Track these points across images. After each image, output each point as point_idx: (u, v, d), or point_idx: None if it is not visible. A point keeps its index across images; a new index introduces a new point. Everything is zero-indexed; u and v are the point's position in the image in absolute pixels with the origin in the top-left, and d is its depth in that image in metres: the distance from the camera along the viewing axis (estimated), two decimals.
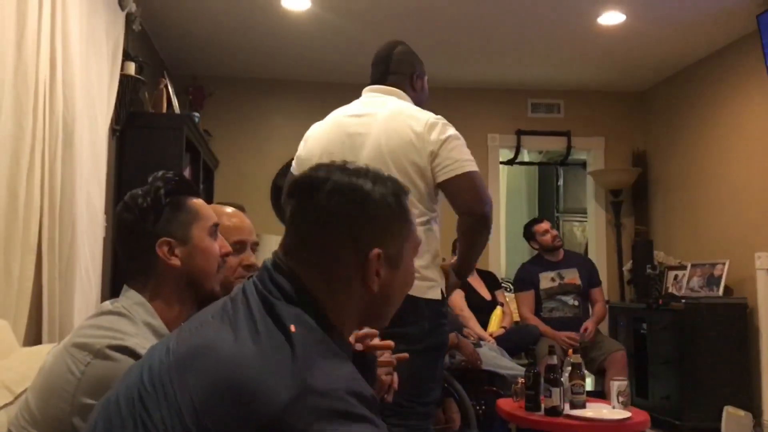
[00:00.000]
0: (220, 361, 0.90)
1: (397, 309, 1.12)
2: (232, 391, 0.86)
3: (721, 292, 4.46)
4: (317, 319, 0.97)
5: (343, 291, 1.02)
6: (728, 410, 4.18)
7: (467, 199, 2.14)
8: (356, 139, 2.21)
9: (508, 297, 4.86)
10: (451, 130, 2.22)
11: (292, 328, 0.92)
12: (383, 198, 1.04)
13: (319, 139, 2.32)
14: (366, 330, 1.32)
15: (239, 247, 1.68)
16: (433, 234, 2.19)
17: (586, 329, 4.26)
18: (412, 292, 2.13)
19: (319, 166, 1.07)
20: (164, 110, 4.09)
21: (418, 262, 2.10)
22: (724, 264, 4.52)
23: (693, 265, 4.81)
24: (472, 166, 2.16)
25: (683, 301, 4.42)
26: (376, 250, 1.02)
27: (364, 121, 2.24)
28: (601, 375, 4.36)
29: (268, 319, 0.94)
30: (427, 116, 2.25)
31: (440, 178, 2.14)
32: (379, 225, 1.04)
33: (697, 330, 4.31)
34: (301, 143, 2.40)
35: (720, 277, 4.50)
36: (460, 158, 2.16)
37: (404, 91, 2.40)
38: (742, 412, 4.18)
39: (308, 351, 0.90)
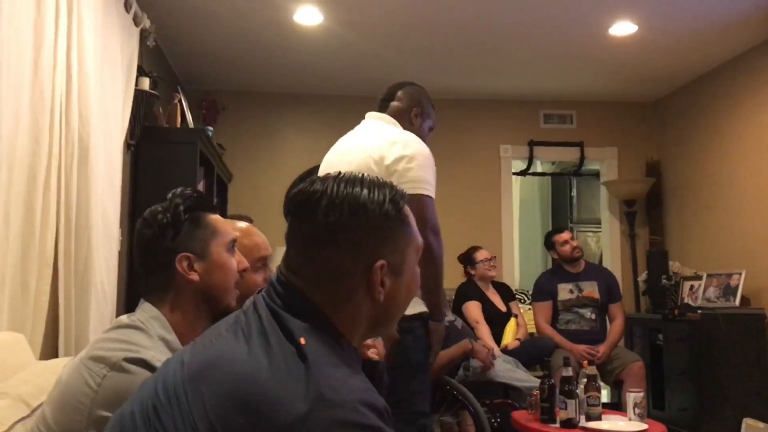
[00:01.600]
0: (233, 373, 0.91)
1: (403, 312, 1.11)
2: (246, 404, 0.87)
3: (737, 302, 4.41)
4: (325, 331, 0.98)
5: (348, 303, 1.01)
6: (747, 422, 4.13)
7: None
8: (336, 159, 2.35)
9: (523, 308, 4.84)
10: (417, 148, 2.16)
11: (302, 340, 0.93)
12: (381, 207, 1.03)
13: (325, 162, 2.45)
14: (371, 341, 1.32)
15: (262, 264, 1.72)
16: None
17: (599, 352, 4.20)
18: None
19: (314, 180, 1.06)
20: (178, 125, 4.13)
21: None
22: (740, 274, 4.48)
23: (709, 275, 4.77)
24: (426, 190, 2.11)
25: (699, 311, 4.38)
26: (380, 262, 1.01)
27: (345, 143, 2.39)
28: (617, 386, 4.32)
29: (279, 332, 0.95)
30: (398, 133, 2.25)
31: None
32: (380, 235, 1.02)
33: (713, 341, 4.27)
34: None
35: (736, 287, 4.46)
36: (416, 178, 2.11)
37: (399, 121, 2.41)
38: (761, 425, 4.12)
39: (320, 363, 0.90)
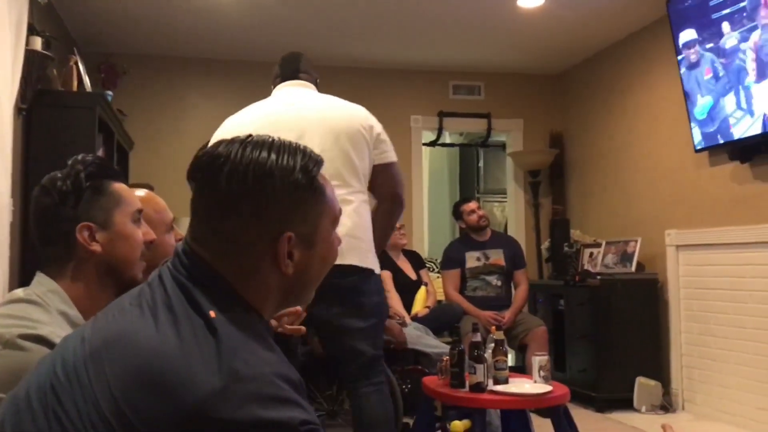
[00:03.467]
0: (139, 349, 0.86)
1: (320, 284, 1.07)
2: (155, 382, 0.82)
3: (633, 268, 4.65)
4: (234, 303, 0.93)
5: (256, 275, 0.96)
6: (640, 380, 4.38)
7: (394, 185, 2.42)
8: (301, 123, 2.31)
9: (432, 276, 4.91)
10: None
11: (212, 313, 0.88)
12: (290, 174, 0.96)
13: (260, 121, 2.35)
14: (289, 309, 1.28)
15: (170, 228, 1.71)
16: (369, 210, 2.39)
17: (504, 317, 4.33)
18: (368, 266, 2.29)
19: (219, 143, 0.98)
20: (75, 89, 3.90)
21: (370, 236, 2.34)
22: (636, 241, 4.71)
23: (607, 243, 4.99)
24: (395, 158, 2.46)
25: (598, 277, 4.59)
26: (286, 234, 0.95)
27: (302, 107, 2.37)
28: (522, 351, 4.48)
29: (187, 305, 0.90)
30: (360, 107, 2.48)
31: (378, 161, 2.39)
32: (287, 205, 0.96)
33: (611, 305, 4.49)
34: (217, 134, 2.35)
35: (633, 253, 4.69)
36: (391, 148, 2.45)
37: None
38: (652, 382, 4.39)
39: (230, 336, 0.86)
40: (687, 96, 4.12)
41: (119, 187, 1.38)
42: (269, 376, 0.84)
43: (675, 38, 4.14)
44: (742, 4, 3.63)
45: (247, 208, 0.94)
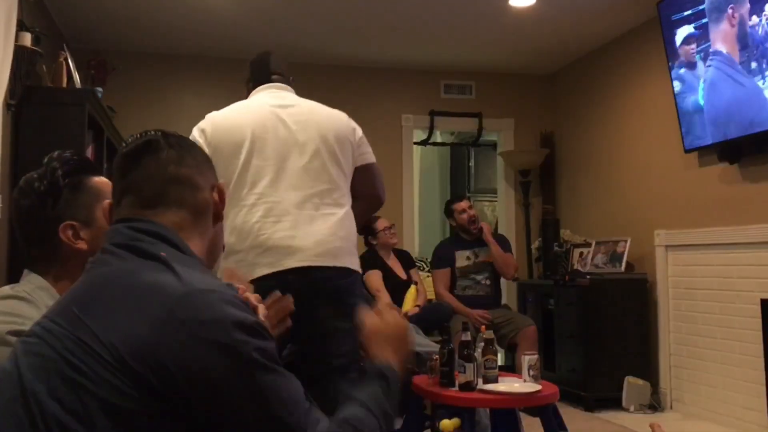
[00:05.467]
0: (104, 283, 0.96)
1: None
2: (124, 298, 0.93)
3: (623, 268, 4.66)
4: (178, 249, 1.05)
5: (199, 224, 1.12)
6: (629, 380, 4.40)
7: (374, 185, 2.50)
8: (288, 121, 2.32)
9: (422, 275, 4.92)
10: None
11: (162, 254, 0.99)
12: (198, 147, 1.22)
13: (245, 121, 2.33)
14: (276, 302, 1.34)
15: None
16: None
17: (490, 315, 4.33)
18: (354, 268, 2.30)
19: (141, 134, 1.15)
20: (64, 85, 3.87)
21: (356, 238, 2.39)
22: (626, 241, 4.73)
23: (597, 243, 5.01)
24: (374, 159, 2.51)
25: (588, 277, 4.61)
26: (221, 181, 1.19)
27: (291, 111, 2.36)
28: (511, 350, 4.48)
29: (138, 254, 1.00)
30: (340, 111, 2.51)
31: (360, 162, 2.43)
32: (211, 163, 1.20)
33: (601, 305, 4.51)
34: (209, 130, 2.34)
35: (622, 253, 4.71)
36: (370, 150, 2.50)
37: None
38: (641, 381, 4.41)
39: (182, 266, 0.98)
40: (681, 96, 4.14)
41: (98, 181, 1.37)
42: (222, 288, 0.97)
43: (665, 39, 4.16)
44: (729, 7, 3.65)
45: (191, 160, 1.14)
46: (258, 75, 2.53)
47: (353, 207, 2.43)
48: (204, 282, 0.96)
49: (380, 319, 1.32)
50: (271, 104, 2.38)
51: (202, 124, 2.38)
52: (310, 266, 2.18)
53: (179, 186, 1.10)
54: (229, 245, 2.20)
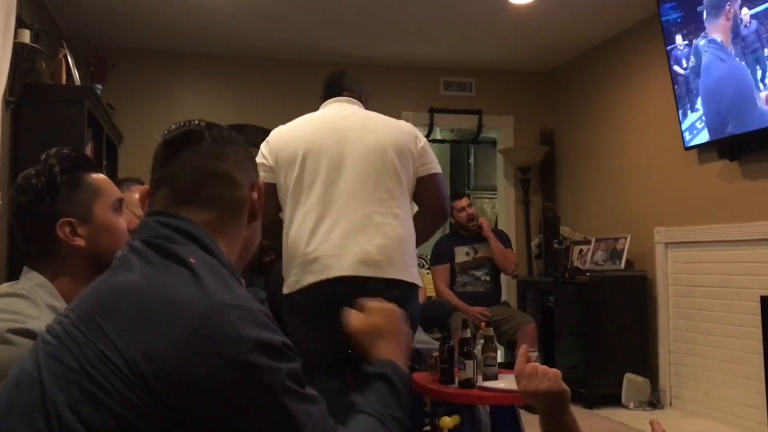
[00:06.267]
0: (127, 293, 0.92)
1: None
2: (147, 313, 0.89)
3: (623, 265, 4.66)
4: (210, 253, 1.01)
5: (234, 223, 1.09)
6: (628, 377, 4.40)
7: (438, 197, 2.47)
8: (348, 131, 2.35)
9: (422, 272, 4.91)
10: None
11: (191, 260, 0.96)
12: (246, 146, 1.15)
13: (302, 132, 2.39)
14: None
15: None
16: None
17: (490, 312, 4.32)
18: (409, 279, 2.30)
19: (184, 122, 1.11)
20: (63, 82, 3.87)
21: (414, 249, 2.40)
22: (626, 238, 4.73)
23: (597, 240, 5.01)
24: (439, 168, 2.49)
25: (588, 274, 4.60)
26: (260, 181, 1.14)
27: (349, 122, 2.40)
28: (511, 347, 4.49)
29: (167, 257, 0.97)
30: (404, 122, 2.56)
31: (423, 173, 2.41)
32: (253, 162, 1.16)
33: (600, 302, 4.51)
34: (272, 142, 2.41)
35: (622, 250, 4.71)
36: (434, 159, 2.48)
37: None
38: (640, 378, 4.41)
39: (210, 276, 0.94)
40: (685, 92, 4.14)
41: (96, 178, 1.36)
42: (248, 302, 0.94)
43: (665, 35, 4.15)
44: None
45: (231, 155, 1.09)
46: (329, 91, 2.56)
47: (418, 219, 2.44)
48: (230, 296, 0.92)
49: (365, 314, 1.21)
50: (332, 115, 2.43)
51: (269, 136, 2.45)
52: (356, 276, 2.18)
53: (217, 182, 1.07)
54: (284, 254, 2.29)
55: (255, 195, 1.12)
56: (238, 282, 1.01)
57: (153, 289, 0.92)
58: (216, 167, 1.07)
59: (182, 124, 1.10)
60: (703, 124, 3.97)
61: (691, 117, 4.06)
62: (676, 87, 4.14)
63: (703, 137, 3.99)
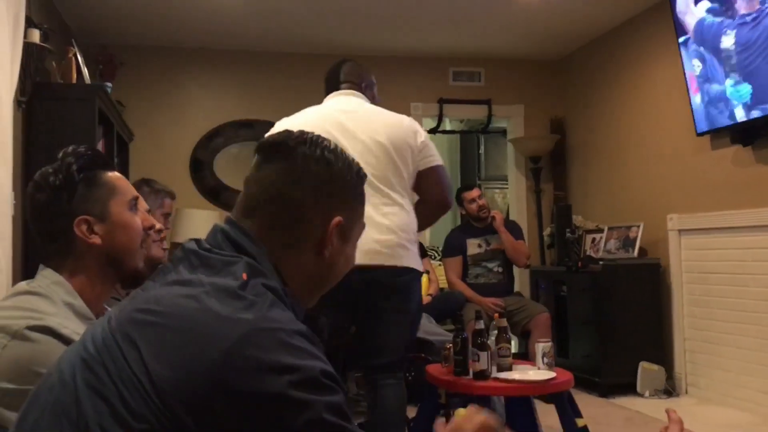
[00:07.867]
0: (171, 302, 0.91)
1: (334, 284, 1.12)
2: (181, 336, 0.87)
3: (636, 253, 4.64)
4: (266, 272, 0.99)
5: (297, 251, 1.04)
6: (643, 365, 4.39)
7: (440, 189, 2.53)
8: (349, 125, 2.42)
9: (434, 264, 4.91)
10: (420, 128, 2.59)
11: (244, 276, 0.93)
12: (348, 171, 1.08)
13: (304, 124, 2.43)
14: None
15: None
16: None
17: (504, 303, 4.32)
18: (411, 266, 2.43)
19: (289, 130, 1.09)
20: (74, 80, 3.88)
21: (416, 239, 2.50)
22: (638, 226, 4.70)
23: (610, 228, 4.98)
24: (440, 161, 2.54)
25: (601, 263, 4.58)
26: (338, 218, 1.05)
27: (349, 116, 2.46)
28: (524, 337, 4.48)
29: (212, 276, 0.94)
30: (397, 114, 2.59)
31: (423, 166, 2.48)
32: (343, 195, 1.08)
33: (614, 290, 4.49)
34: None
35: (635, 239, 4.69)
36: (435, 152, 2.53)
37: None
38: (655, 367, 4.39)
39: (256, 296, 0.91)
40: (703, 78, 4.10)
41: (113, 176, 1.37)
42: (289, 328, 0.89)
43: (676, 21, 4.11)
44: None
45: (315, 185, 1.04)
46: (327, 86, 2.64)
47: (419, 210, 2.51)
48: (269, 319, 0.89)
49: (456, 424, 1.02)
50: (334, 109, 2.49)
51: (272, 129, 2.51)
52: (365, 265, 2.20)
53: (281, 206, 1.03)
54: None
55: (329, 231, 1.05)
56: (286, 302, 0.97)
57: (193, 304, 0.90)
58: (287, 192, 1.03)
59: (287, 132, 1.08)
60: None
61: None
62: (695, 70, 4.10)
63: (723, 120, 3.88)
